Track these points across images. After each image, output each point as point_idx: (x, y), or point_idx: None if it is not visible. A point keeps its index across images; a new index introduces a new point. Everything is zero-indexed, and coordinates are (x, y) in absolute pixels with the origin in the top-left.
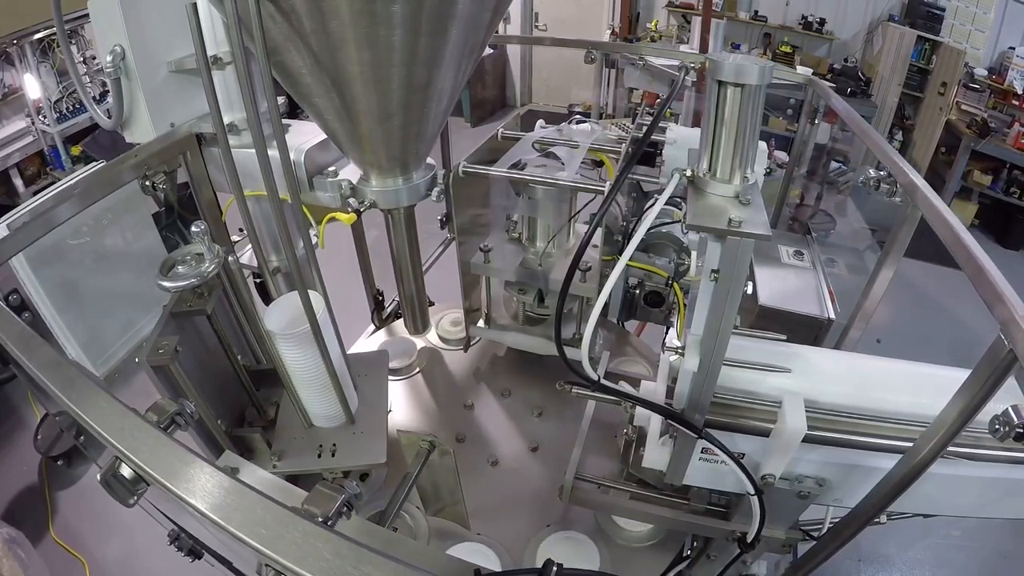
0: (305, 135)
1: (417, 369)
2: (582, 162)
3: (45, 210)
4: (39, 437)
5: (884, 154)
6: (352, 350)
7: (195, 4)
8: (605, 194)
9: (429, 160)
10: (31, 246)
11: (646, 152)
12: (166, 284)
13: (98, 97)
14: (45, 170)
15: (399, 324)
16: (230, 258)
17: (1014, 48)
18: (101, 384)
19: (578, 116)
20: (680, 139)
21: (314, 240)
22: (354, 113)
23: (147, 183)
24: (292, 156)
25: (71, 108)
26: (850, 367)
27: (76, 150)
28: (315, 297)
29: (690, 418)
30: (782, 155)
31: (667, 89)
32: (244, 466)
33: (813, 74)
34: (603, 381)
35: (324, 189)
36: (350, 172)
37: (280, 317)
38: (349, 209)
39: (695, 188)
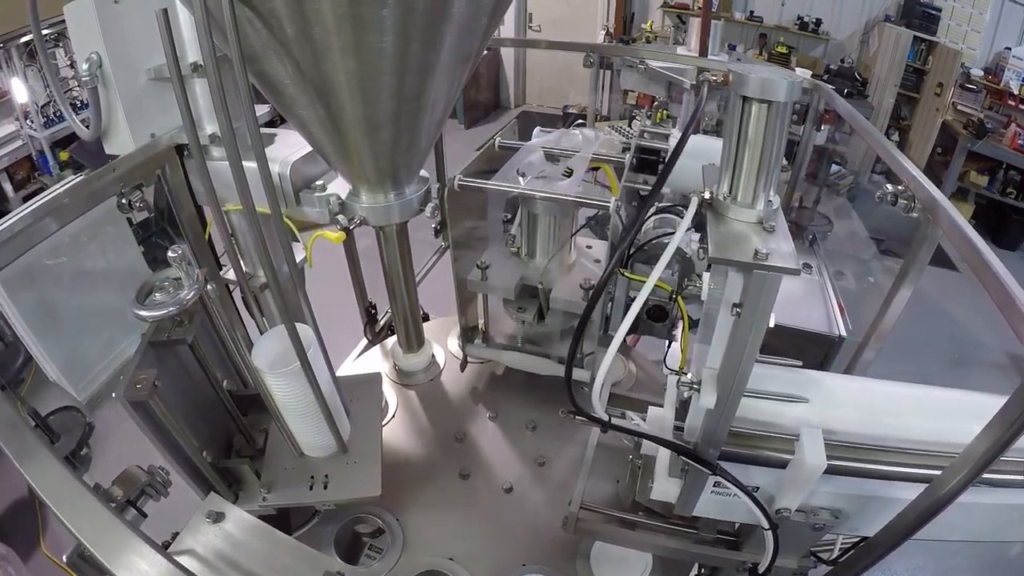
0: (291, 146)
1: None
2: None
3: (19, 231)
4: None
5: (901, 167)
6: (344, 366)
7: (165, 9)
8: (629, 225)
9: (423, 172)
10: (6, 268)
11: (650, 161)
12: (142, 313)
13: (83, 103)
14: (34, 175)
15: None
16: (210, 286)
17: (1010, 48)
18: (58, 456)
19: (576, 121)
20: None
21: (301, 258)
22: (341, 125)
23: (123, 201)
24: (277, 169)
25: (58, 113)
26: (869, 394)
27: (64, 155)
28: (303, 329)
29: (703, 453)
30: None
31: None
32: (230, 511)
33: (811, 75)
34: (613, 420)
35: (311, 204)
36: (340, 185)
37: (268, 351)
38: (338, 227)
39: (715, 213)
